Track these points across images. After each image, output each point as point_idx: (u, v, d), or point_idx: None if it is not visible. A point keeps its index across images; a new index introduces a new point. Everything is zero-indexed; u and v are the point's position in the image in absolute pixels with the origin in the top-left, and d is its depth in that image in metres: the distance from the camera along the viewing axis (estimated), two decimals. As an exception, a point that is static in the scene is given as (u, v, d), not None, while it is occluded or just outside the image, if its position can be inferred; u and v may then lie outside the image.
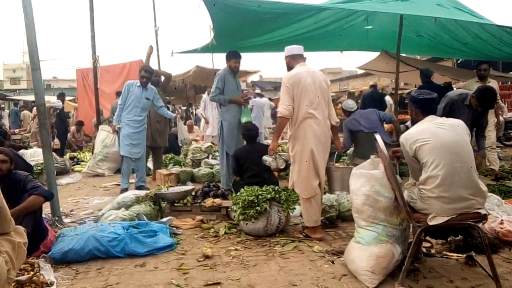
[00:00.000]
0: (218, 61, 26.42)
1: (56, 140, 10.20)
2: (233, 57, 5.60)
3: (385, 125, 6.43)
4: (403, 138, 2.90)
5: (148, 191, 5.04)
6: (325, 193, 4.23)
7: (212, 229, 4.27)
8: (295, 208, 4.17)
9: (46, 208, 4.21)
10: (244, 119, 5.62)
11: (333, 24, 6.53)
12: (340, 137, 4.79)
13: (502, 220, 3.56)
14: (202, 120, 11.71)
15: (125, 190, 5.78)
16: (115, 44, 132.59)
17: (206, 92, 10.75)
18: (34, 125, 11.33)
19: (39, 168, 6.94)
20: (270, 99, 13.13)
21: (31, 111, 14.70)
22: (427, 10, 5.52)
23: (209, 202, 4.71)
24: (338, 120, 4.18)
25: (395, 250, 2.93)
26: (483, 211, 2.72)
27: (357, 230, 3.12)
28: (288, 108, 3.82)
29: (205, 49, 6.79)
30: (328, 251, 3.54)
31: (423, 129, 2.82)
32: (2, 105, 20.00)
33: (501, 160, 7.81)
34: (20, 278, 2.85)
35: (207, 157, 8.15)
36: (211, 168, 7.23)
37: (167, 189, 5.20)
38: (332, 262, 3.31)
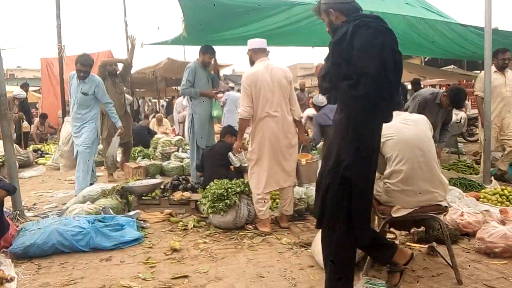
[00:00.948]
0: (190, 54, 25.98)
1: (25, 123, 9.90)
2: (210, 52, 5.52)
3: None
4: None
5: (115, 184, 4.93)
6: (294, 186, 4.27)
7: (181, 223, 4.23)
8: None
9: (8, 202, 4.06)
10: (215, 113, 5.59)
11: (305, 20, 6.56)
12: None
13: (462, 212, 3.70)
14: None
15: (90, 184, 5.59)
16: (82, 34, 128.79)
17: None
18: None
19: (0, 160, 6.69)
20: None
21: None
22: (396, 8, 5.63)
23: (178, 195, 4.66)
24: (301, 115, 4.25)
25: (360, 242, 2.98)
26: (444, 204, 2.81)
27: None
28: (247, 110, 3.88)
29: (176, 41, 6.68)
30: (296, 243, 3.58)
31: (388, 125, 2.87)
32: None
33: (464, 155, 8.11)
34: (-22, 273, 2.75)
35: (177, 150, 8.05)
36: (181, 162, 7.14)
37: (135, 182, 5.11)
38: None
